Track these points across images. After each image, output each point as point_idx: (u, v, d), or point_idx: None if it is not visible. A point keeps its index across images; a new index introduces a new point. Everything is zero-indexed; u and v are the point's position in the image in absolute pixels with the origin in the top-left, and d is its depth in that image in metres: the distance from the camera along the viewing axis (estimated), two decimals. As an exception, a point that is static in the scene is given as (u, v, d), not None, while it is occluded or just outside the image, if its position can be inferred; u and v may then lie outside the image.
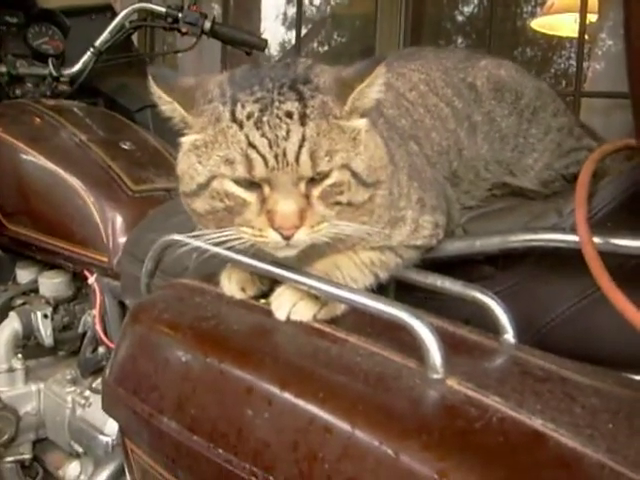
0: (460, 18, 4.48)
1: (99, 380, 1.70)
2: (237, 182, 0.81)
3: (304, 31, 4.64)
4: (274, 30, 5.07)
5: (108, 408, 1.01)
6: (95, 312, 1.66)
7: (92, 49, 2.10)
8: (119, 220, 1.61)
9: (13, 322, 1.79)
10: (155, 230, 1.48)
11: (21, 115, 1.93)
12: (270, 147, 0.79)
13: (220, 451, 0.81)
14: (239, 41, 2.24)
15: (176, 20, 2.16)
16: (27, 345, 1.81)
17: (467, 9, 4.41)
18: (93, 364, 1.71)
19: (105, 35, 2.12)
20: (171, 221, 1.44)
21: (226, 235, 0.84)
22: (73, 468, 1.74)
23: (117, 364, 0.98)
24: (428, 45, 1.36)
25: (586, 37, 3.25)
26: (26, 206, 1.80)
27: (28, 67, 2.10)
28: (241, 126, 0.80)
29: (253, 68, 0.87)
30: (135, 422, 0.94)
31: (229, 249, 0.88)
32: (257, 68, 0.87)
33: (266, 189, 0.81)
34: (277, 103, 0.80)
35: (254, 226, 0.82)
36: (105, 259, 1.60)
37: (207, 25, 2.15)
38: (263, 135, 0.79)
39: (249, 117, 0.80)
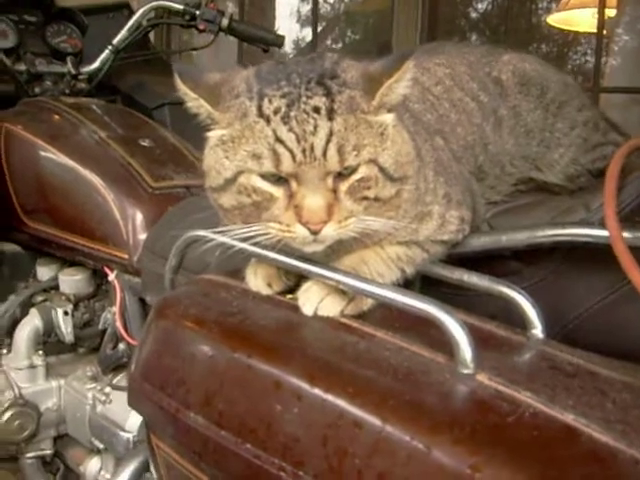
0: (476, 14, 4.47)
1: (119, 377, 1.70)
2: (264, 177, 0.81)
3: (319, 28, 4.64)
4: (288, 27, 5.08)
5: (134, 403, 1.02)
6: (115, 309, 1.66)
7: (110, 47, 2.10)
8: (139, 217, 1.60)
9: (34, 319, 1.80)
10: (175, 227, 1.49)
11: (41, 113, 1.93)
12: (298, 142, 0.79)
13: (248, 446, 0.81)
14: (256, 38, 2.24)
15: (193, 17, 2.16)
16: (48, 342, 1.82)
17: (483, 5, 4.40)
18: (113, 361, 1.71)
19: (123, 33, 2.12)
20: (191, 218, 1.44)
21: (253, 230, 0.84)
22: (94, 464, 1.74)
23: (143, 359, 0.99)
24: (445, 40, 1.35)
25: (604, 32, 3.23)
26: (46, 203, 1.80)
27: (47, 65, 2.11)
28: (268, 121, 0.80)
29: (280, 63, 0.87)
30: (161, 417, 0.94)
31: (255, 244, 0.88)
32: (284, 63, 0.86)
33: (293, 184, 0.81)
34: (304, 98, 0.80)
35: (281, 221, 0.82)
36: (125, 256, 1.60)
37: (225, 22, 2.14)
38: (290, 130, 0.79)
39: (276, 112, 0.80)
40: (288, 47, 4.95)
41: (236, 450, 0.82)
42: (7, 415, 1.75)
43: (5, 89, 2.03)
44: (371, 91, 0.83)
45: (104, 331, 1.77)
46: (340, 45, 5.20)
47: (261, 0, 4.91)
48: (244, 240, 0.87)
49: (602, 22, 3.14)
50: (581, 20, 3.42)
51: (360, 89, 0.83)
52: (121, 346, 1.69)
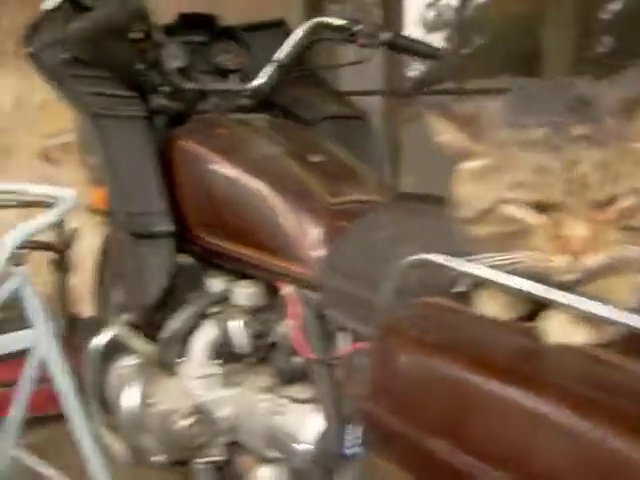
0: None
1: (294, 389, 1.72)
2: (524, 206, 0.81)
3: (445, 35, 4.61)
4: (415, 34, 5.07)
5: (365, 426, 1.03)
6: (291, 322, 1.68)
7: (276, 63, 2.14)
8: (316, 231, 1.61)
9: (209, 329, 1.87)
10: (358, 245, 1.51)
11: (212, 129, 2.00)
12: (561, 170, 0.78)
13: (496, 474, 0.81)
14: (415, 51, 2.23)
15: (354, 32, 2.17)
16: (223, 352, 1.87)
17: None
18: (288, 373, 1.74)
19: (288, 49, 2.16)
20: (374, 236, 1.45)
21: (507, 259, 0.84)
22: (265, 473, 1.78)
23: (372, 383, 1.00)
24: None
25: None
26: (220, 217, 1.86)
27: (214, 83, 2.18)
28: (530, 150, 0.80)
29: (532, 90, 0.87)
30: (394, 441, 0.95)
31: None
32: (537, 90, 0.86)
33: (556, 213, 0.80)
34: (565, 126, 0.79)
35: (541, 250, 0.82)
36: (302, 270, 1.62)
37: (386, 36, 2.14)
38: (553, 158, 0.79)
39: (538, 141, 0.80)
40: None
41: (483, 477, 0.82)
42: (184, 422, 1.82)
43: (177, 107, 2.10)
44: (632, 116, 0.82)
45: (277, 343, 1.80)
46: (467, 52, 5.15)
47: (389, 9, 4.91)
48: (492, 267, 0.87)
49: None
50: None
51: (620, 115, 0.81)
52: (296, 359, 1.71)
